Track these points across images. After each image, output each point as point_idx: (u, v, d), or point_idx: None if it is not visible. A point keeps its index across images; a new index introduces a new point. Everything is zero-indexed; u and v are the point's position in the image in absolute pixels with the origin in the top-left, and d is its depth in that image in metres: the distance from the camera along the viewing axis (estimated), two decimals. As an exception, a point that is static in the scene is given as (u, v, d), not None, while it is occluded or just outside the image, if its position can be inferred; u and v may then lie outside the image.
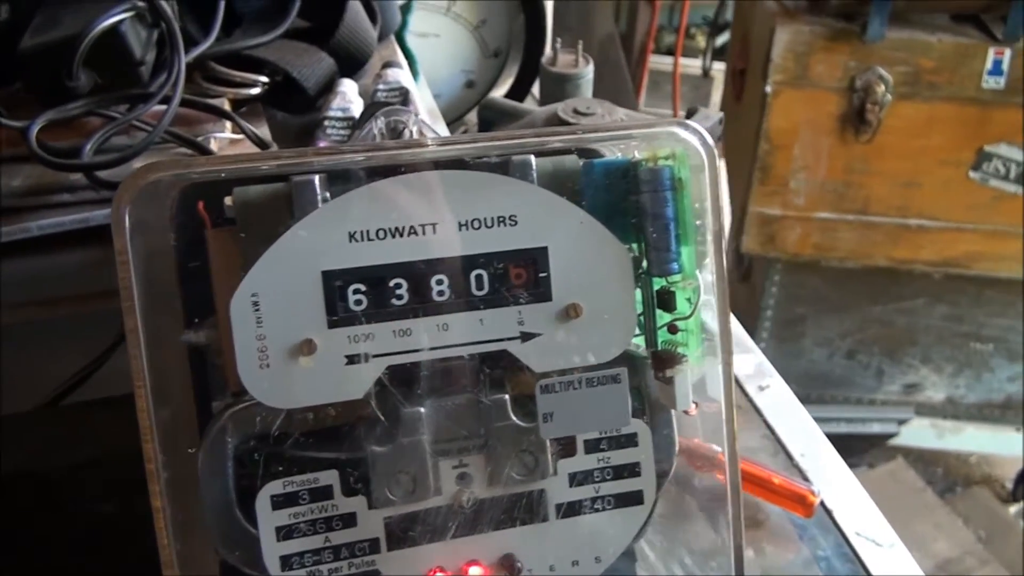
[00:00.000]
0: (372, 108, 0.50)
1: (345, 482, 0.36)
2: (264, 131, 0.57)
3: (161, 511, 0.34)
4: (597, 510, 0.38)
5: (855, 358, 1.55)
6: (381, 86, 0.60)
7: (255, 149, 0.53)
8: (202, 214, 0.36)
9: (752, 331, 1.57)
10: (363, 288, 0.35)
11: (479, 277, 0.36)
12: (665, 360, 0.38)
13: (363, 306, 0.35)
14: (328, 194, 0.35)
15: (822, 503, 0.60)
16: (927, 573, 1.52)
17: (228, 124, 0.55)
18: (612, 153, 0.38)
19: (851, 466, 1.62)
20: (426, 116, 0.63)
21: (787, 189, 1.41)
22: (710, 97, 2.03)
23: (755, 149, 1.39)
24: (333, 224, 0.35)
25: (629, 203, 0.37)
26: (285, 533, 0.35)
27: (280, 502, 0.35)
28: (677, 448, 0.40)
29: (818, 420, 1.48)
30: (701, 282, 0.38)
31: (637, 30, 1.98)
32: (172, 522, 0.35)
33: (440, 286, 0.36)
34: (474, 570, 0.37)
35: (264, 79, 0.58)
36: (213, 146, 0.53)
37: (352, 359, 0.35)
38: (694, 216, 0.37)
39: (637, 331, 0.38)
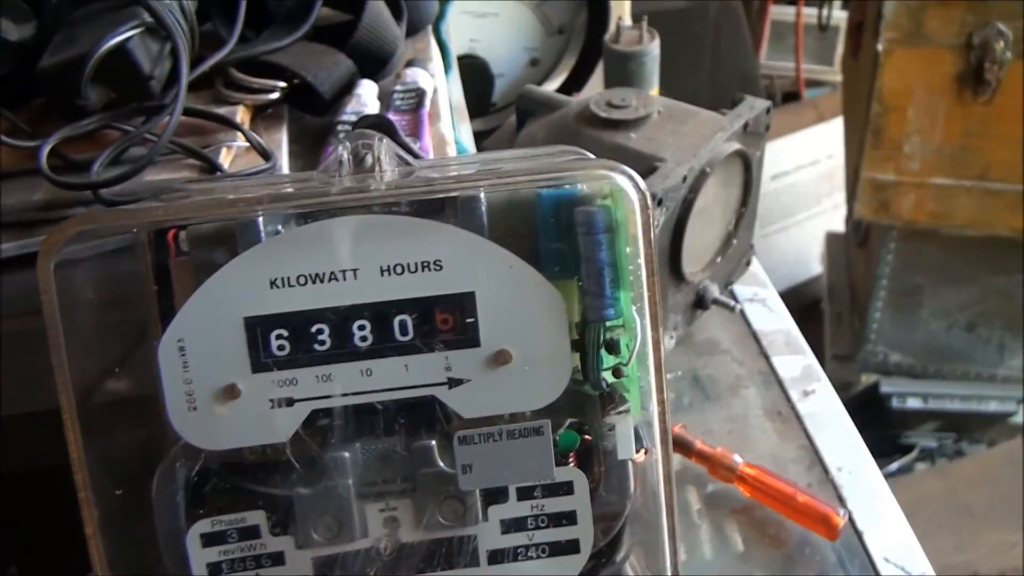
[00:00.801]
0: (361, 122, 0.50)
1: (272, 522, 0.36)
2: (280, 136, 0.58)
3: (93, 538, 0.36)
4: (531, 558, 0.37)
5: (975, 331, 1.45)
6: (398, 87, 0.60)
7: (260, 160, 0.53)
8: (169, 243, 0.37)
9: (868, 300, 1.49)
10: (285, 334, 0.35)
11: (402, 323, 0.35)
12: (609, 404, 0.37)
13: (285, 352, 0.35)
14: (282, 228, 0.35)
15: (852, 523, 0.57)
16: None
17: (239, 133, 0.55)
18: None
19: (969, 443, 1.53)
20: (447, 114, 0.61)
21: (901, 153, 1.32)
22: (835, 50, 1.92)
23: (867, 111, 1.31)
24: (253, 271, 0.35)
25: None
26: (214, 570, 0.36)
27: (209, 540, 0.36)
28: (632, 489, 0.38)
29: (933, 396, 1.40)
30: (639, 328, 0.36)
31: (759, -21, 1.89)
32: (105, 550, 0.36)
33: (362, 331, 0.35)
34: (402, 612, 0.37)
35: (282, 84, 0.58)
36: (224, 156, 0.54)
37: (275, 403, 0.35)
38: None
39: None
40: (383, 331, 0.35)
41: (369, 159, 0.41)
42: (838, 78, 1.92)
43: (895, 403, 1.37)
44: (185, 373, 0.35)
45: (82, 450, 0.35)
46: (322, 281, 0.35)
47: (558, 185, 0.35)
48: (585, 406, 0.37)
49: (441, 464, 0.36)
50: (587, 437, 0.38)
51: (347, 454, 0.36)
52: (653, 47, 0.82)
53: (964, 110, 1.28)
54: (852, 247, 1.66)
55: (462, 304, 0.35)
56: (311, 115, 0.60)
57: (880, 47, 1.26)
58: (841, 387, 1.55)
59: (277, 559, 0.36)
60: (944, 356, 1.48)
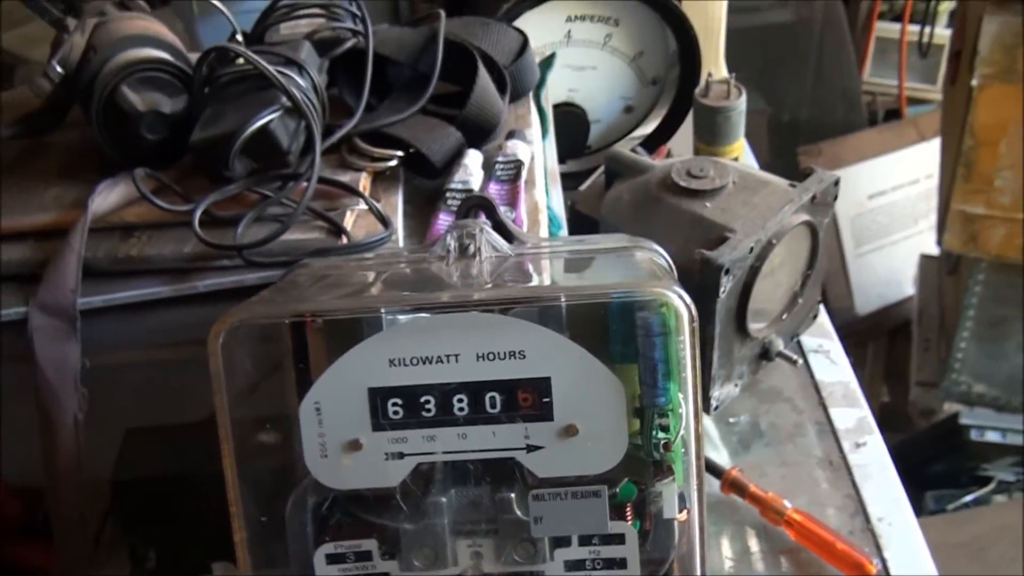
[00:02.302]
0: (467, 201, 0.59)
1: (382, 549, 0.46)
2: (396, 199, 0.68)
3: (242, 559, 0.47)
4: (588, 593, 0.46)
5: (1061, 366, 1.49)
6: (500, 158, 0.69)
7: (378, 224, 0.64)
8: (307, 320, 0.47)
9: (954, 329, 1.54)
10: (399, 402, 0.45)
11: (492, 399, 0.45)
12: (659, 473, 0.46)
13: (399, 416, 0.45)
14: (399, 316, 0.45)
15: (886, 572, 0.64)
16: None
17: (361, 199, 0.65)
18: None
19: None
20: (542, 180, 0.71)
21: (991, 187, 1.36)
22: (938, 69, 1.94)
23: (960, 144, 1.36)
24: (377, 352, 0.45)
25: (637, 335, 0.45)
26: (335, 584, 0.47)
27: (332, 559, 0.47)
28: (676, 541, 0.47)
29: (1012, 431, 1.45)
30: (684, 415, 0.45)
31: (865, -6, 1.93)
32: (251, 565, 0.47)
33: (460, 404, 0.45)
34: (481, 630, 0.47)
35: (399, 153, 0.68)
36: (348, 218, 0.64)
37: (389, 456, 0.45)
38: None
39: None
40: (477, 404, 0.45)
41: (471, 248, 0.51)
42: (940, 97, 1.94)
43: (974, 435, 1.41)
44: (320, 428, 0.45)
45: (238, 493, 0.46)
46: (430, 363, 0.45)
47: (626, 297, 0.44)
48: (641, 469, 0.47)
49: (518, 512, 0.46)
50: (642, 487, 0.47)
51: (444, 499, 0.46)
52: (740, 102, 0.90)
53: (1057, 148, 1.31)
54: (943, 273, 1.70)
55: (540, 387, 0.45)
56: (423, 177, 0.70)
57: (975, 82, 1.31)
58: (924, 414, 1.61)
59: (385, 579, 0.47)
60: (1028, 390, 1.52)
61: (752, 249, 0.67)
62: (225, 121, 0.63)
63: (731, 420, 0.74)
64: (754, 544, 0.66)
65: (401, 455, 0.45)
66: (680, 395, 0.45)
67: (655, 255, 0.52)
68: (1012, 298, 1.47)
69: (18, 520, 0.85)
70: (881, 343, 1.84)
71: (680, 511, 0.46)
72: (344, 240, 0.63)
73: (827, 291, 1.77)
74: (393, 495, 0.46)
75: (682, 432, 0.45)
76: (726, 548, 0.66)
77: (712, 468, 0.68)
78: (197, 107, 0.66)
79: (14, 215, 0.66)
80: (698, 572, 0.47)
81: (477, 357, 0.45)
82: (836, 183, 0.73)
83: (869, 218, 1.89)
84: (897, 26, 1.95)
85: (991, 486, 1.45)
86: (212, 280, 0.63)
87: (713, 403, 0.72)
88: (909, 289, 1.88)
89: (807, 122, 2.01)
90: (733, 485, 0.68)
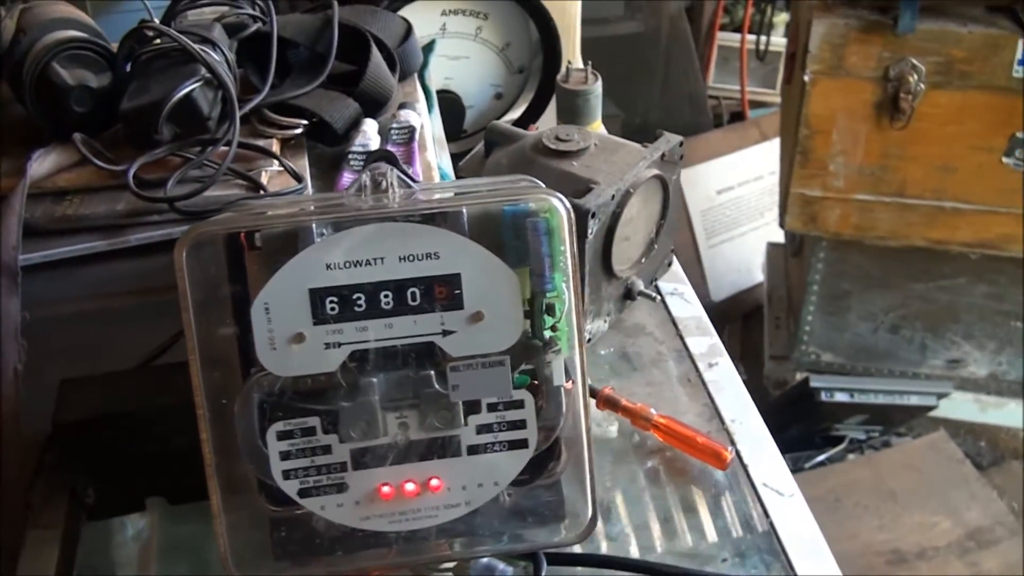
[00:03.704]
0: (371, 155, 0.71)
1: (324, 425, 0.58)
2: (304, 162, 0.79)
3: (206, 440, 0.57)
4: (496, 451, 0.59)
5: (899, 333, 1.70)
6: (394, 125, 0.82)
7: (293, 182, 0.75)
8: (242, 241, 0.58)
9: (801, 304, 1.73)
10: (335, 300, 0.57)
11: (413, 293, 0.57)
12: (547, 349, 0.59)
13: (335, 311, 0.57)
14: (326, 230, 0.57)
15: (740, 459, 0.79)
16: (957, 540, 1.69)
17: (275, 160, 0.77)
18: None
19: (896, 436, 1.79)
20: (432, 145, 0.84)
21: (826, 172, 1.56)
22: (777, 75, 2.17)
23: (796, 134, 1.55)
24: (315, 258, 0.56)
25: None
26: (284, 456, 0.58)
27: (282, 436, 0.58)
28: (564, 410, 0.60)
29: (859, 391, 1.64)
30: (567, 297, 0.58)
31: (706, 5, 2.14)
32: (213, 447, 0.57)
33: (386, 298, 0.57)
34: (409, 486, 0.58)
35: (304, 122, 0.80)
36: (264, 178, 0.75)
37: (328, 345, 0.57)
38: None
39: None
40: (400, 298, 0.57)
41: (384, 183, 0.63)
42: (779, 99, 2.17)
43: (824, 396, 1.60)
44: (269, 325, 0.56)
45: (201, 380, 0.56)
46: (360, 265, 0.56)
47: (516, 203, 0.57)
48: (533, 351, 0.59)
49: (437, 387, 0.58)
50: (535, 382, 0.60)
51: (375, 379, 0.58)
52: (597, 86, 1.05)
53: (882, 134, 1.53)
54: (788, 256, 1.90)
55: (452, 281, 0.57)
56: (325, 145, 0.82)
57: (807, 78, 1.51)
58: (778, 385, 1.80)
59: (326, 449, 0.58)
60: (871, 355, 1.73)
61: (614, 196, 0.81)
62: (151, 92, 0.74)
63: (603, 352, 0.88)
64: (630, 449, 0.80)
65: (338, 344, 0.57)
66: (563, 283, 0.58)
67: (534, 183, 0.66)
68: (850, 273, 1.68)
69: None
70: (736, 326, 2.03)
71: (567, 380, 0.59)
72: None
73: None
74: (331, 382, 0.57)
75: (565, 312, 0.58)
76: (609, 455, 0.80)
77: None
78: (121, 82, 0.76)
79: (-56, 186, 0.74)
80: (583, 428, 0.60)
81: (399, 259, 0.57)
82: (681, 144, 0.89)
83: (718, 212, 2.09)
84: (737, 36, 2.17)
85: (843, 445, 1.65)
86: (144, 234, 0.73)
87: (586, 336, 0.85)
88: (759, 276, 2.08)
89: (657, 125, 2.19)
90: (607, 401, 0.81)
